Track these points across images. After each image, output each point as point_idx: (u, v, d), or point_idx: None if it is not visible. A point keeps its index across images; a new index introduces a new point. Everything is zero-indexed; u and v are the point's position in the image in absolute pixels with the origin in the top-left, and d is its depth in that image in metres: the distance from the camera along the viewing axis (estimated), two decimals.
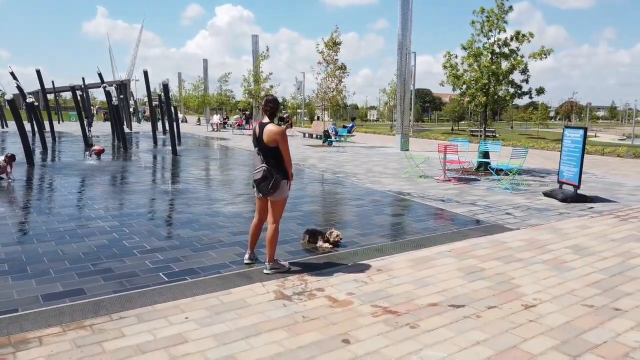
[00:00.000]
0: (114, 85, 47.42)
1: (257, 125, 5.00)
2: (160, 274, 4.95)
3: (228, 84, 46.75)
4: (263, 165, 4.92)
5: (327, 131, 23.82)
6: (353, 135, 27.21)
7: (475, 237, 6.64)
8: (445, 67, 14.25)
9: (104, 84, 24.10)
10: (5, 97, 16.00)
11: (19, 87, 22.08)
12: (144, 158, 16.82)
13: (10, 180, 10.67)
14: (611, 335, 3.74)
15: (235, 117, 38.58)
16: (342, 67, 22.89)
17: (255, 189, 5.01)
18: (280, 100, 58.71)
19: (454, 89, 14.04)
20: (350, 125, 26.67)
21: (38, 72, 23.49)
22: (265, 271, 5.02)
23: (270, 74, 31.76)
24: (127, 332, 3.66)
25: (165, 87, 17.58)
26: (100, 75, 26.49)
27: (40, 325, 3.72)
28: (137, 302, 4.20)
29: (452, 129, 78.53)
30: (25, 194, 9.70)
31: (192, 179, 11.94)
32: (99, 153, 15.43)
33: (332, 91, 23.25)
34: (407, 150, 20.48)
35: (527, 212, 8.39)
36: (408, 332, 3.77)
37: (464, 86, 13.85)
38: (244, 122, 34.13)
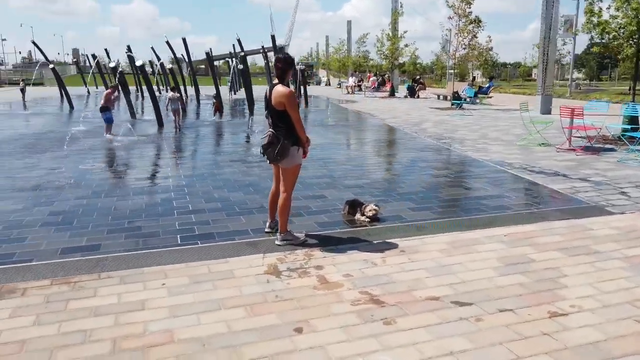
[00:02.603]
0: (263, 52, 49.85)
1: (269, 87, 4.66)
2: (178, 236, 5.00)
3: (366, 45, 46.06)
4: (270, 130, 4.59)
5: (456, 93, 22.10)
6: (490, 97, 24.86)
7: (553, 220, 5.49)
8: (585, 13, 11.98)
9: (243, 52, 25.41)
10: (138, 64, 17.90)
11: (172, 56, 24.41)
12: (257, 120, 17.47)
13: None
14: None
15: (372, 79, 37.96)
16: (476, 21, 20.77)
17: (263, 155, 4.72)
18: (417, 62, 55.56)
19: (591, 39, 11.77)
20: (487, 85, 24.35)
21: (184, 39, 25.82)
22: (276, 242, 4.76)
23: (405, 32, 30.30)
24: (100, 292, 3.74)
25: (281, 49, 17.83)
26: (239, 41, 28.03)
27: (36, 277, 4.00)
28: (133, 263, 4.28)
29: (630, 89, 67.22)
30: (129, 150, 10.73)
31: None
32: (217, 109, 16.93)
33: (464, 48, 21.33)
34: (548, 114, 18.03)
35: None
36: (376, 328, 3.22)
37: (607, 35, 11.50)
38: (376, 85, 33.43)
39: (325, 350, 2.97)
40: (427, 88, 34.90)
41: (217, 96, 18.05)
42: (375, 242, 4.87)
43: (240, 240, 4.89)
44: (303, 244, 4.75)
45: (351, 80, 35.41)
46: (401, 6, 32.45)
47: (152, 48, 32.09)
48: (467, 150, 10.40)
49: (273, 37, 20.40)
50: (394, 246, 4.74)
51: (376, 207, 5.47)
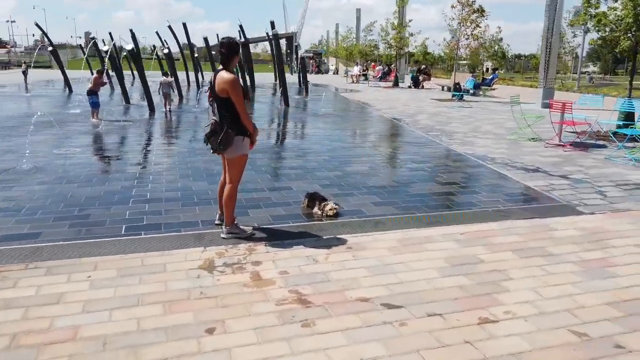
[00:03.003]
0: (269, 39, 49.43)
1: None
2: (124, 226, 4.87)
3: (372, 33, 45.51)
4: (213, 118, 4.42)
5: (457, 84, 21.71)
6: (494, 89, 24.41)
7: (517, 219, 5.28)
8: (583, 3, 11.60)
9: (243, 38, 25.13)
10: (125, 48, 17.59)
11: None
12: (254, 107, 17.33)
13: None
14: None
15: (377, 68, 37.53)
16: (479, 10, 20.31)
17: (207, 144, 4.54)
18: (428, 51, 54.66)
19: (587, 31, 11.39)
20: (491, 77, 23.88)
21: (184, 24, 25.58)
22: (222, 235, 4.60)
23: (410, 20, 29.82)
24: (21, 284, 3.62)
25: (276, 36, 17.58)
26: (241, 27, 27.74)
27: None
28: (67, 253, 4.16)
29: None
30: (110, 135, 10.61)
31: (267, 131, 11.86)
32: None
33: (467, 38, 20.91)
34: (547, 107, 17.62)
35: (628, 193, 6.47)
36: (293, 331, 3.06)
37: (604, 28, 11.12)
38: (381, 74, 33.00)
39: (229, 354, 2.83)
40: (432, 78, 34.38)
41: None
42: (325, 237, 4.70)
43: (186, 232, 4.75)
44: (249, 238, 4.60)
45: (356, 69, 34.98)
46: None
47: (156, 32, 31.95)
48: (453, 144, 10.14)
49: (272, 23, 20.06)
50: (342, 242, 4.56)
51: (336, 206, 5.29)
